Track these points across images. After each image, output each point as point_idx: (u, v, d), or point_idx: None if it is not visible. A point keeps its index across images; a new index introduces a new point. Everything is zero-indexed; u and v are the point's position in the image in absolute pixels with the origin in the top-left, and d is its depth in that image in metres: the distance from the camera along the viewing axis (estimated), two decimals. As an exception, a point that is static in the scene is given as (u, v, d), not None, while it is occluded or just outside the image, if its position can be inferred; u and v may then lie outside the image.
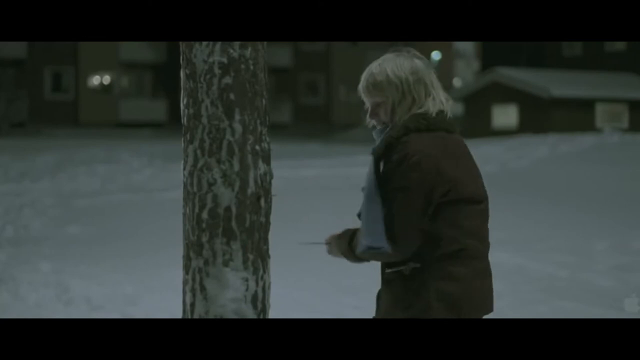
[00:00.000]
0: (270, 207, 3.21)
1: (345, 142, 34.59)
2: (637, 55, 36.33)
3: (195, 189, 3.12)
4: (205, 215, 3.11)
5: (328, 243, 3.38)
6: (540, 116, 30.84)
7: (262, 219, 3.17)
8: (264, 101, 3.17)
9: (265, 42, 3.19)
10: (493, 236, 3.28)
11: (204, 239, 3.11)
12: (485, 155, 19.77)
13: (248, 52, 3.11)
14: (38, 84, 42.91)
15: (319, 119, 47.57)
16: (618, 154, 18.68)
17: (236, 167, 3.09)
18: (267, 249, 3.20)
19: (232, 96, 3.08)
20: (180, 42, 3.16)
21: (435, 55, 63.08)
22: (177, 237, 3.53)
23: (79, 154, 22.96)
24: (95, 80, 44.42)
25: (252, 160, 3.12)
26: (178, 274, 3.39)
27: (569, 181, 15.71)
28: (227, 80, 3.08)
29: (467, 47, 75.75)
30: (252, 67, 3.12)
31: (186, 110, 3.14)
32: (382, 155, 3.12)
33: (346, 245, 3.27)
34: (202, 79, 3.10)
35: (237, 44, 3.08)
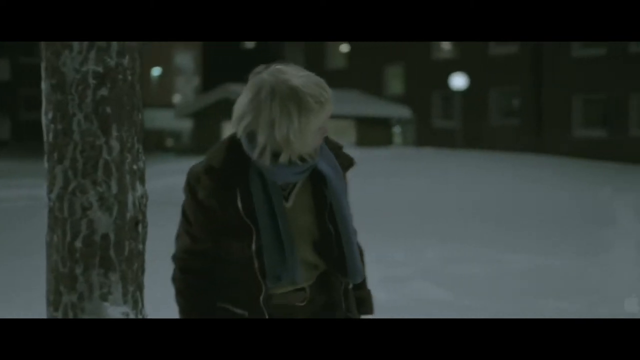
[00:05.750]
0: (146, 233, 2.91)
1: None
2: (358, 72, 38.05)
3: (66, 214, 2.76)
4: (79, 243, 2.75)
5: None
6: (272, 132, 31.28)
7: (140, 246, 2.87)
8: (140, 115, 2.87)
9: (138, 51, 2.89)
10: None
11: (78, 270, 2.76)
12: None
13: (126, 61, 2.80)
14: None
15: (39, 136, 45.53)
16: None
17: (114, 189, 2.77)
18: (143, 280, 2.91)
19: (108, 110, 2.76)
20: (43, 49, 2.79)
21: (156, 71, 62.57)
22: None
23: None
24: None
25: (130, 181, 2.82)
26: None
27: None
28: (103, 92, 2.75)
29: (187, 63, 75.72)
30: (129, 78, 2.82)
31: (52, 126, 2.77)
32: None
33: None
34: (73, 91, 2.74)
35: (114, 51, 2.77)
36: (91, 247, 2.75)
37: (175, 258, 2.83)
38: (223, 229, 2.71)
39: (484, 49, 34.30)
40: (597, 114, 31.27)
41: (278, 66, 2.71)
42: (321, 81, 2.70)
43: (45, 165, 2.81)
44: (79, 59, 2.74)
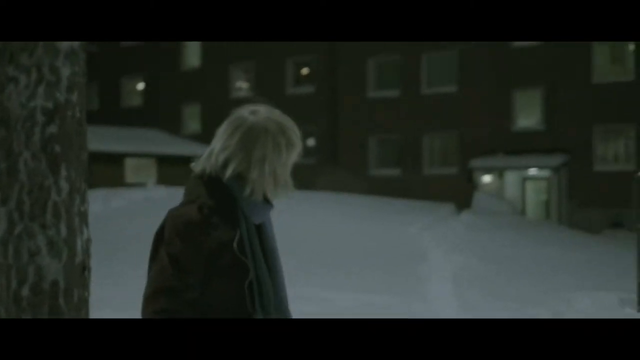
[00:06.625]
0: (90, 279, 2.75)
1: None
2: (154, 111, 37.63)
3: (11, 260, 2.56)
4: (25, 291, 2.56)
5: None
6: (70, 171, 30.38)
7: (86, 293, 2.71)
8: (86, 155, 2.72)
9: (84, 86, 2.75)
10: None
11: (25, 320, 2.56)
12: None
13: (74, 97, 2.65)
14: None
15: None
16: (166, 206, 19.06)
17: (63, 232, 2.61)
18: (87, 328, 2.74)
19: (57, 148, 2.60)
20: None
21: None
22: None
23: None
24: None
25: (79, 224, 2.66)
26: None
27: (125, 236, 15.66)
28: (52, 129, 2.59)
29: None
30: (78, 115, 2.67)
31: (-6, 165, 2.58)
32: None
33: None
34: (19, 127, 2.57)
35: (64, 86, 2.61)
36: (40, 295, 2.57)
37: (164, 311, 2.48)
38: (219, 271, 2.58)
39: (281, 89, 34.85)
40: (392, 154, 32.40)
41: (251, 107, 2.70)
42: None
43: (-16, 207, 2.60)
44: (25, 94, 2.57)
